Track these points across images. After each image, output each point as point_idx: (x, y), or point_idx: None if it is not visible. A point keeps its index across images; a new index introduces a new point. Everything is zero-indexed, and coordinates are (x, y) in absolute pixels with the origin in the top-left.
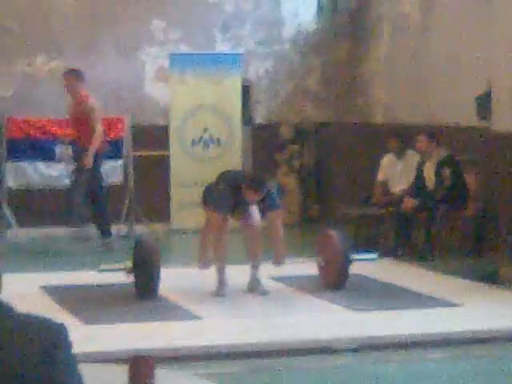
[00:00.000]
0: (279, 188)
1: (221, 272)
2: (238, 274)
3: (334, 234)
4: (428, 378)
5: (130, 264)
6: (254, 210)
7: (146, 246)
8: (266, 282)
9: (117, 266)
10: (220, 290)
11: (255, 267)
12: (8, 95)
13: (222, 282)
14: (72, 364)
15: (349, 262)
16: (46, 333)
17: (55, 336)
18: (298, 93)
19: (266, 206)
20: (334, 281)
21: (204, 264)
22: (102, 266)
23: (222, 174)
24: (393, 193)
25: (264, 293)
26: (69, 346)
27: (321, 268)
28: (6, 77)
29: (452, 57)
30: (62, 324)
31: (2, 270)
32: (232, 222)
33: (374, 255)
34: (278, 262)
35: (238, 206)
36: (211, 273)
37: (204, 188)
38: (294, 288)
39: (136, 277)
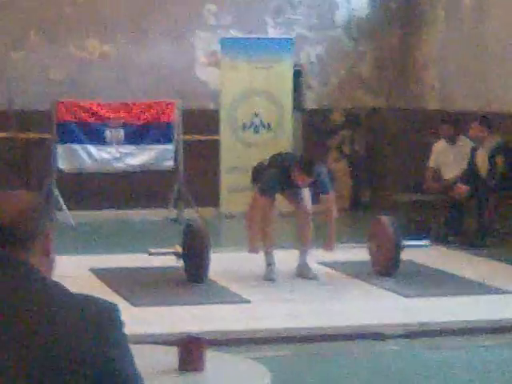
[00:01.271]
0: (330, 173)
1: (269, 256)
2: (287, 259)
3: (385, 220)
4: (478, 366)
5: (179, 248)
6: (306, 195)
7: (196, 230)
8: (315, 267)
9: (167, 249)
10: (269, 274)
11: (305, 252)
12: (60, 79)
13: (270, 265)
14: (124, 343)
15: (400, 248)
16: (99, 312)
17: (108, 315)
18: (350, 78)
19: (317, 190)
20: (386, 267)
21: (253, 248)
22: (152, 250)
23: (273, 156)
24: (444, 179)
25: (313, 277)
26: (121, 325)
27: (372, 254)
28: (58, 60)
29: (508, 42)
30: (115, 304)
31: (55, 252)
32: (280, 206)
33: (426, 242)
34: (328, 247)
35: (288, 190)
36: (260, 257)
37: (254, 166)
38: (344, 273)
39: (186, 261)
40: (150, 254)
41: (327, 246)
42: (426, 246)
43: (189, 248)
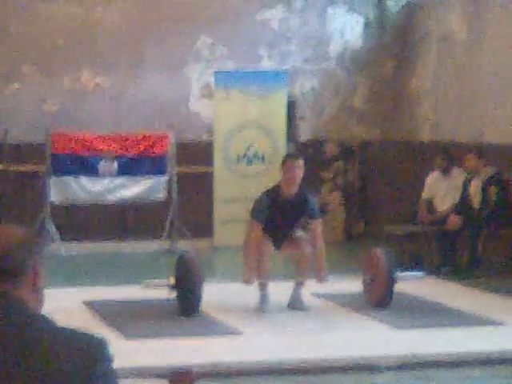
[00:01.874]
0: (321, 205)
1: (263, 288)
2: (280, 290)
3: (379, 251)
4: None
5: (173, 280)
6: (301, 236)
7: (189, 262)
8: (308, 298)
9: (160, 281)
10: (262, 307)
11: (300, 284)
12: (53, 111)
13: (264, 298)
14: (112, 379)
15: (394, 280)
16: (87, 347)
17: (96, 350)
18: (344, 110)
19: (307, 217)
20: (379, 299)
21: (247, 279)
22: (146, 282)
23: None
24: (438, 211)
25: (306, 309)
26: (109, 360)
27: (366, 286)
28: (53, 92)
29: (499, 75)
30: (103, 338)
31: (44, 285)
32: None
33: (419, 273)
34: (320, 278)
35: (282, 232)
36: (254, 289)
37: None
38: (338, 305)
39: (178, 292)
40: (144, 286)
41: (319, 277)
42: (420, 277)
43: (181, 280)
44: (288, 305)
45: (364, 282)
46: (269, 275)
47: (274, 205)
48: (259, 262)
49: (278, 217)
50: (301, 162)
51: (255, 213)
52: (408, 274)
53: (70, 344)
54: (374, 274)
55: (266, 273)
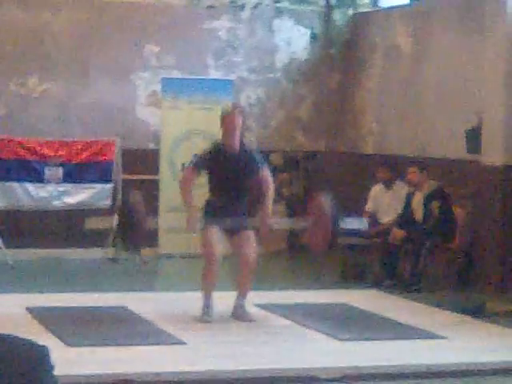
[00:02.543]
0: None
1: (207, 297)
2: (224, 300)
3: (323, 197)
4: None
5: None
6: (251, 237)
7: (133, 198)
8: (251, 309)
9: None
10: (205, 316)
11: (242, 294)
12: None
13: (207, 307)
14: None
15: (338, 224)
16: (28, 355)
17: (37, 358)
18: (289, 121)
19: (253, 167)
20: (323, 243)
21: (191, 225)
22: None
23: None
24: (381, 223)
25: (250, 320)
26: (50, 368)
27: (309, 232)
28: None
29: (443, 89)
30: (45, 346)
31: None
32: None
33: (362, 223)
34: (264, 223)
35: (231, 190)
36: (198, 298)
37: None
38: (280, 316)
39: (122, 230)
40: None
41: (263, 220)
42: (362, 228)
43: (126, 217)
44: (232, 315)
45: (307, 226)
46: (213, 284)
47: (219, 160)
48: (205, 271)
49: (224, 172)
50: (238, 114)
51: (194, 162)
52: (352, 222)
53: (10, 351)
54: (316, 217)
55: (210, 282)
